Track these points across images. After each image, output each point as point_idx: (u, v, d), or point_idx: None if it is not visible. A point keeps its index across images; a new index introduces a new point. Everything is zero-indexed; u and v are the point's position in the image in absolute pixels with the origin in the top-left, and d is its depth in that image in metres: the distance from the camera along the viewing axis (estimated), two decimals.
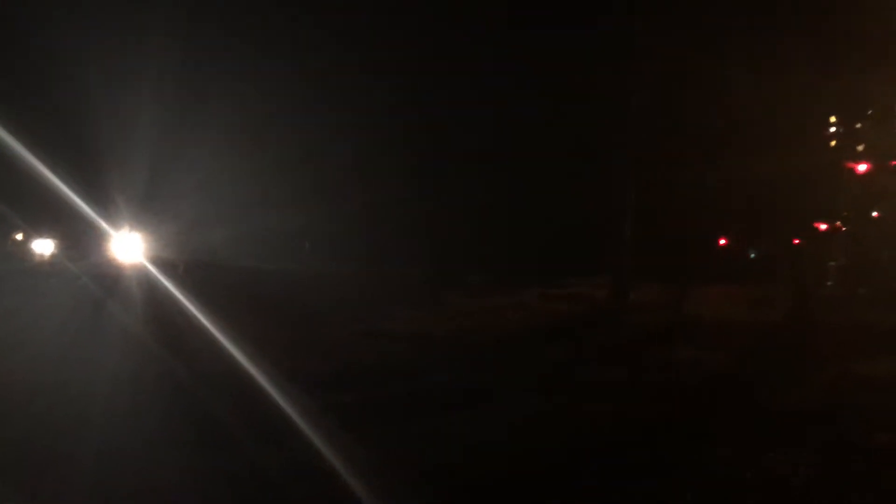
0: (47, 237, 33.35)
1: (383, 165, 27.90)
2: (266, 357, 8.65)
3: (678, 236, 19.44)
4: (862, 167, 17.47)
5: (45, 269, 26.28)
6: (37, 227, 32.98)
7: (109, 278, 21.33)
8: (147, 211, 28.35)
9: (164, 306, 14.41)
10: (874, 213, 18.10)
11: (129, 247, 28.29)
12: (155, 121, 26.11)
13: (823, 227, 18.51)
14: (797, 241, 17.64)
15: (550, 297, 19.82)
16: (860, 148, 17.65)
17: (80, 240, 29.97)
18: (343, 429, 6.39)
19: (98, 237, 27.95)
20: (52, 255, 31.25)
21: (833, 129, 17.97)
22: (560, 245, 24.35)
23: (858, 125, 17.65)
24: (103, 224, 24.45)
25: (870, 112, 17.33)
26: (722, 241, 23.86)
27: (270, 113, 28.70)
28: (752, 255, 23.61)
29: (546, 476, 5.83)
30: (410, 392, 8.80)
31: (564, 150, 23.03)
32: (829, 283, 20.05)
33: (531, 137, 24.53)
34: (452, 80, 25.91)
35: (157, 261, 25.19)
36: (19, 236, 35.11)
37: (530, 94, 23.96)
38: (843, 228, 18.80)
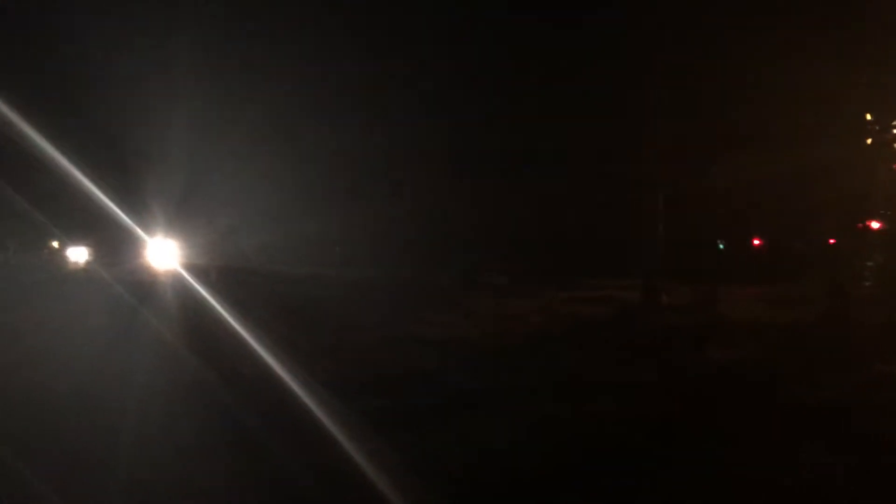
0: (82, 245, 34.06)
1: (412, 171, 28.10)
2: (297, 362, 8.76)
3: (710, 236, 19.29)
4: None
5: (80, 276, 26.76)
6: (72, 235, 33.70)
7: (144, 285, 21.73)
8: (181, 217, 28.81)
9: (198, 312, 14.64)
10: None
11: (163, 253, 28.76)
12: (190, 127, 26.52)
13: (860, 225, 18.21)
14: (833, 240, 17.40)
15: (579, 300, 19.75)
16: None
17: (115, 247, 30.54)
18: (374, 433, 6.46)
19: (133, 244, 28.47)
20: (87, 263, 31.89)
21: (868, 126, 17.69)
22: (588, 247, 24.27)
23: (894, 122, 17.37)
24: (138, 231, 24.89)
25: None
26: (756, 241, 23.59)
27: (303, 119, 29.03)
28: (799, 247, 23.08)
29: (572, 479, 5.85)
30: (439, 396, 8.84)
31: (592, 152, 22.95)
32: (866, 283, 19.71)
33: (558, 140, 24.50)
34: (477, 83, 26.01)
35: (191, 267, 25.57)
36: (55, 244, 35.93)
37: (556, 95, 23.93)
38: (881, 227, 18.48)
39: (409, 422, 7.55)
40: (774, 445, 6.82)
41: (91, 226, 28.93)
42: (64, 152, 16.70)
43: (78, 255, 33.82)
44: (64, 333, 12.13)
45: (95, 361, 9.67)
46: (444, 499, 5.25)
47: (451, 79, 26.49)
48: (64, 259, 33.63)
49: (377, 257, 29.34)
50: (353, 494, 5.28)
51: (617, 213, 22.16)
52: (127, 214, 21.77)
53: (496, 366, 11.22)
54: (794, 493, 5.67)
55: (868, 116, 17.43)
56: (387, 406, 8.08)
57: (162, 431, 6.66)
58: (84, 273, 28.09)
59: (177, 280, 22.54)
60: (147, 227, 26.49)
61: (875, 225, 18.21)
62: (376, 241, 29.23)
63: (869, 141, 17.56)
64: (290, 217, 29.01)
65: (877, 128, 17.43)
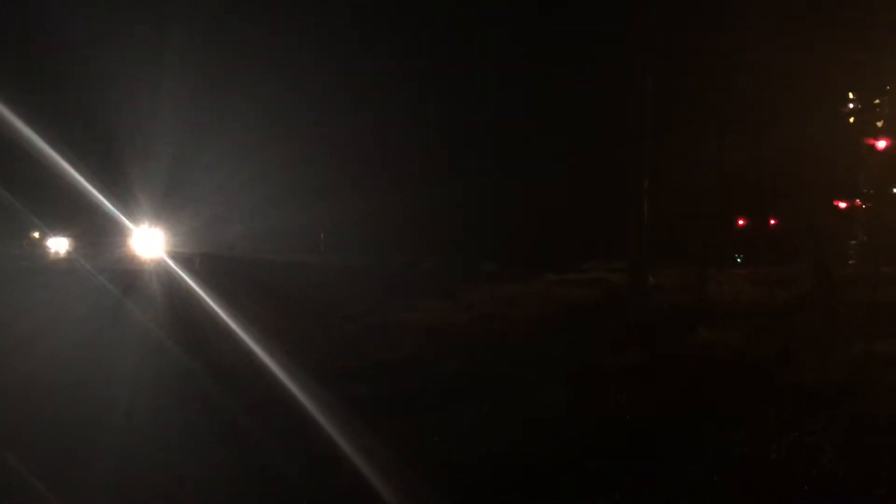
0: (63, 235, 33.70)
1: (395, 158, 28.02)
2: (283, 350, 8.75)
3: (696, 217, 19.39)
4: (881, 143, 17.32)
5: (60, 266, 26.47)
6: (53, 226, 33.35)
7: (128, 274, 21.54)
8: (167, 206, 28.61)
9: (183, 301, 14.58)
10: (895, 190, 17.97)
11: (149, 242, 28.53)
12: (177, 115, 26.27)
13: (843, 204, 18.37)
14: (817, 219, 17.56)
15: (567, 283, 19.82)
16: (879, 124, 17.49)
17: (98, 236, 30.26)
18: (360, 420, 6.45)
19: (117, 233, 28.21)
20: (68, 252, 31.58)
21: (851, 106, 17.81)
22: (575, 230, 24.33)
23: (877, 101, 17.50)
24: (123, 219, 24.64)
25: (888, 88, 17.16)
26: (740, 222, 23.76)
27: (290, 108, 28.84)
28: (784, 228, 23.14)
29: (568, 465, 5.87)
30: (427, 382, 8.86)
31: (576, 134, 22.99)
32: (850, 262, 19.93)
33: (542, 122, 24.50)
34: (463, 71, 25.90)
35: (176, 256, 25.41)
36: (36, 234, 35.52)
37: (542, 77, 23.90)
38: (864, 206, 18.65)
39: (398, 409, 7.55)
40: (766, 425, 6.90)
41: (74, 215, 28.68)
42: (47, 140, 16.47)
43: (58, 245, 33.49)
44: (46, 324, 12.02)
45: (78, 351, 9.60)
46: (435, 487, 5.24)
47: (439, 61, 26.39)
48: (44, 249, 33.26)
49: (363, 246, 29.31)
50: (341, 482, 5.27)
51: (603, 195, 22.22)
52: (111, 203, 21.56)
53: (486, 351, 11.23)
54: (786, 470, 5.76)
55: (851, 95, 17.54)
56: (375, 393, 8.06)
57: (146, 420, 6.63)
58: (65, 263, 27.77)
59: (162, 269, 22.40)
60: (132, 216, 26.26)
61: (858, 204, 18.40)
62: (362, 230, 29.19)
63: (851, 120, 17.69)
64: (275, 206, 28.93)
65: (860, 106, 17.55)
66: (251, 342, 9.58)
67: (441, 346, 11.39)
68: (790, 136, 16.04)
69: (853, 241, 20.24)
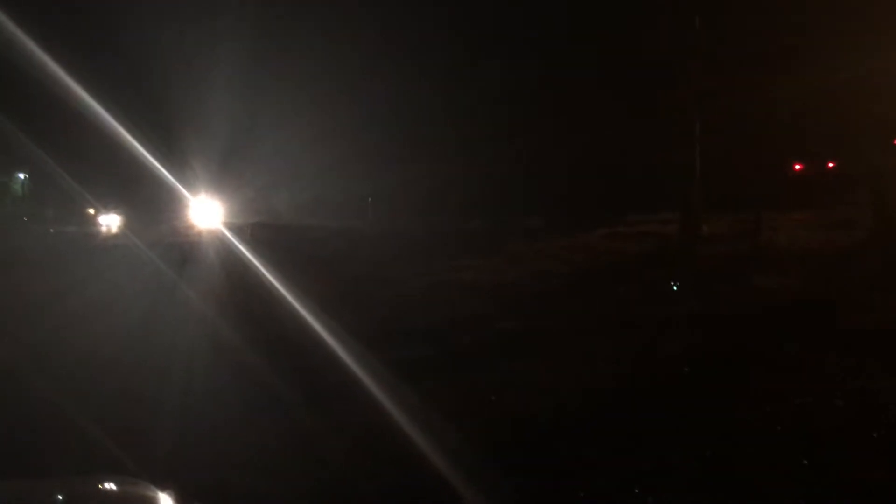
0: (114, 212, 34.47)
1: (440, 121, 27.98)
2: (335, 316, 8.91)
3: (750, 163, 19.02)
4: None
5: (110, 243, 26.99)
6: (107, 202, 34.15)
7: (185, 246, 22.01)
8: (223, 176, 29.02)
9: (238, 272, 14.97)
10: None
11: (205, 213, 28.96)
12: (234, 84, 26.40)
13: None
14: (876, 160, 17.06)
15: (616, 237, 19.73)
16: None
17: (155, 209, 30.90)
18: (413, 381, 6.58)
19: (175, 204, 28.78)
20: (121, 229, 32.37)
21: None
22: (625, 182, 24.05)
23: None
24: (180, 190, 24.97)
25: None
26: (797, 166, 23.22)
27: (340, 79, 28.93)
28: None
29: (619, 418, 5.93)
30: (481, 341, 9.01)
31: (625, 85, 22.57)
32: None
33: (589, 73, 24.11)
34: (508, 28, 25.55)
35: (232, 226, 25.87)
36: (91, 211, 36.42)
37: (589, 31, 23.41)
38: None
39: (451, 368, 7.70)
40: (833, 370, 6.88)
41: (130, 189, 29.34)
42: (103, 109, 16.66)
43: (110, 221, 34.17)
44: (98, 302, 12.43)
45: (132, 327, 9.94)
46: (485, 446, 5.26)
47: (480, 27, 26.08)
48: (96, 227, 33.98)
49: (410, 209, 29.52)
50: (388, 444, 5.40)
51: (652, 144, 21.89)
52: (168, 173, 21.83)
53: (537, 308, 11.32)
54: (854, 416, 5.76)
55: None
56: (427, 353, 8.12)
57: (199, 387, 6.87)
58: (118, 239, 28.45)
59: (218, 240, 22.77)
60: (189, 187, 26.60)
61: None
62: (409, 194, 29.38)
63: None
64: (324, 173, 29.25)
65: None
66: (302, 309, 9.78)
67: (492, 305, 11.50)
68: (846, 72, 15.53)
69: None
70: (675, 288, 9.80)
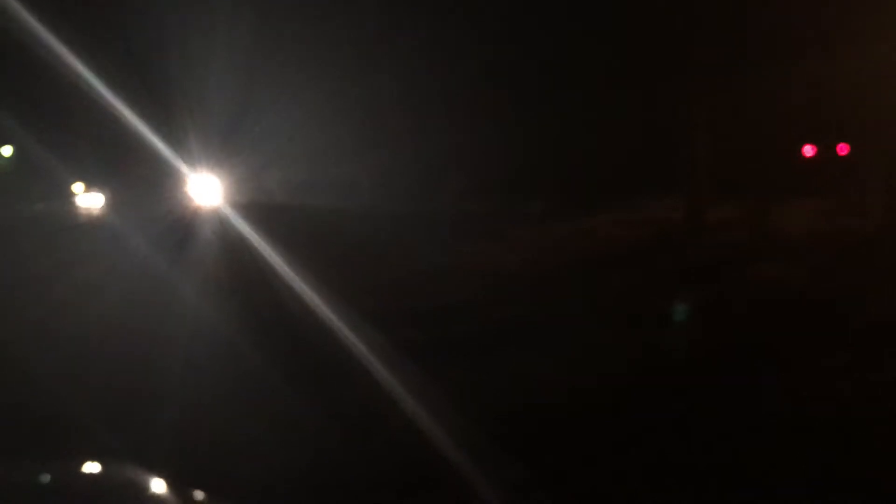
0: (99, 190, 34.09)
1: (439, 98, 27.80)
2: (334, 298, 8.92)
3: (758, 148, 18.97)
4: None
5: (94, 223, 26.67)
6: (95, 179, 33.70)
7: (182, 226, 21.78)
8: (224, 151, 28.50)
9: (238, 251, 14.85)
10: None
11: (204, 190, 28.40)
12: (235, 48, 25.67)
13: None
14: (886, 145, 17.04)
15: (619, 223, 19.70)
16: None
17: (149, 185, 30.41)
18: (414, 365, 6.61)
19: (170, 181, 28.28)
20: (108, 207, 31.92)
21: None
22: (627, 166, 23.97)
23: None
24: (177, 165, 24.41)
25: None
26: (807, 151, 23.17)
27: (341, 57, 28.58)
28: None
29: (622, 410, 5.95)
30: (482, 327, 9.02)
31: (626, 65, 22.44)
32: None
33: (590, 54, 23.95)
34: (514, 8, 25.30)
35: (233, 204, 25.43)
36: (78, 189, 36.04)
37: (599, 8, 23.18)
38: None
39: (450, 354, 7.70)
40: (844, 363, 6.88)
41: (121, 164, 28.89)
42: (102, 82, 16.20)
43: (91, 201, 33.67)
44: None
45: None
46: (487, 432, 5.35)
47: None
48: (81, 204, 33.58)
49: (406, 191, 29.40)
50: (390, 426, 5.42)
51: (655, 128, 21.82)
52: (163, 147, 21.22)
53: (538, 295, 11.32)
54: (854, 411, 5.78)
55: None
56: (427, 338, 8.20)
57: (202, 368, 6.88)
58: (105, 219, 28.20)
59: (217, 218, 22.44)
60: (186, 162, 26.01)
61: None
62: (405, 175, 29.23)
63: None
64: (319, 154, 29.03)
65: None
66: (303, 288, 9.75)
67: (491, 291, 11.49)
68: (857, 58, 15.46)
69: None
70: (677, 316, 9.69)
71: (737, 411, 5.82)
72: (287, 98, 27.79)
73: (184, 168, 25.46)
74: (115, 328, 8.48)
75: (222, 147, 28.21)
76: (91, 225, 25.18)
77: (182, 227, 21.71)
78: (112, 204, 31.82)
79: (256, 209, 24.87)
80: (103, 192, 33.89)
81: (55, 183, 34.25)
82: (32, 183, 35.54)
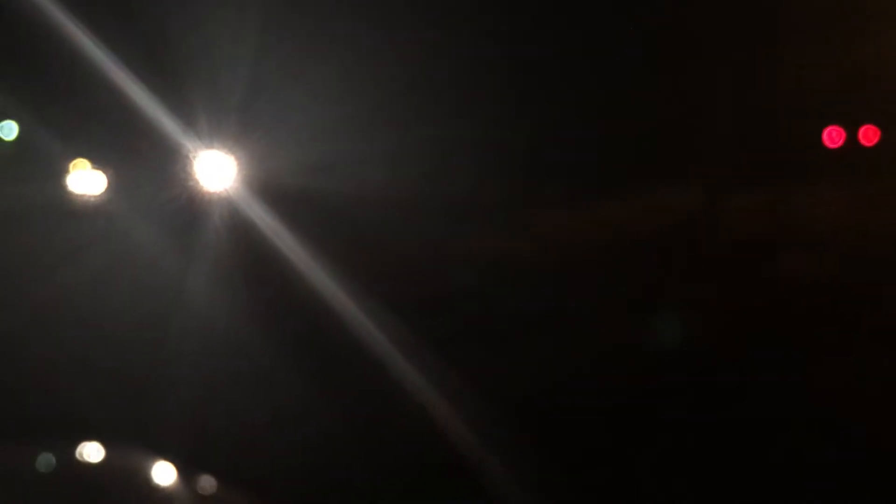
0: (98, 169, 34.28)
1: (444, 83, 27.75)
2: (351, 283, 8.90)
3: (785, 134, 18.80)
4: None
5: (98, 209, 26.72)
6: (95, 158, 33.83)
7: (189, 211, 21.74)
8: (237, 129, 28.29)
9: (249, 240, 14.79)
10: None
11: (216, 171, 28.14)
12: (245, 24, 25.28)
13: None
14: None
15: (634, 208, 19.58)
16: None
17: (152, 166, 30.31)
18: (430, 353, 6.63)
19: (176, 161, 28.09)
20: (106, 192, 32.17)
21: None
22: (639, 151, 23.85)
23: None
24: (184, 144, 24.16)
25: None
26: (826, 134, 22.97)
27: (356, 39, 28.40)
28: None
29: (639, 402, 5.95)
30: (496, 316, 9.00)
31: (638, 45, 22.26)
32: None
33: (606, 39, 23.79)
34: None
35: (248, 184, 25.31)
36: (74, 166, 36.31)
37: None
38: None
39: (465, 342, 7.73)
40: (870, 359, 6.83)
41: (124, 142, 28.81)
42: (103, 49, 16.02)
43: (89, 184, 33.79)
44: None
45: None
46: (502, 421, 5.37)
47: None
48: (79, 183, 33.75)
49: (413, 174, 29.37)
50: (408, 414, 5.44)
51: (671, 108, 21.65)
52: (169, 123, 20.92)
53: (552, 284, 11.28)
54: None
55: None
56: (442, 326, 8.23)
57: (217, 356, 6.90)
58: (103, 205, 28.23)
59: (227, 201, 22.36)
60: (195, 140, 25.64)
61: None
62: (413, 158, 29.22)
63: None
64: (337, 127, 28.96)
65: None
66: (318, 274, 9.72)
67: (506, 278, 11.46)
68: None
69: None
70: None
71: (760, 407, 5.78)
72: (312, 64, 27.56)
73: (192, 147, 25.27)
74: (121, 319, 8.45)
75: (237, 126, 28.00)
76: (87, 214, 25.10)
77: (192, 212, 21.59)
78: (118, 183, 31.79)
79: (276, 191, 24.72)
80: (105, 173, 33.83)
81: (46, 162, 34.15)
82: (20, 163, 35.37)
